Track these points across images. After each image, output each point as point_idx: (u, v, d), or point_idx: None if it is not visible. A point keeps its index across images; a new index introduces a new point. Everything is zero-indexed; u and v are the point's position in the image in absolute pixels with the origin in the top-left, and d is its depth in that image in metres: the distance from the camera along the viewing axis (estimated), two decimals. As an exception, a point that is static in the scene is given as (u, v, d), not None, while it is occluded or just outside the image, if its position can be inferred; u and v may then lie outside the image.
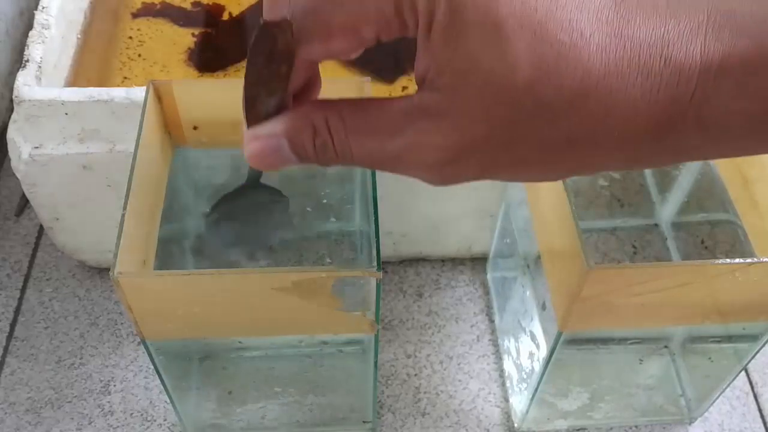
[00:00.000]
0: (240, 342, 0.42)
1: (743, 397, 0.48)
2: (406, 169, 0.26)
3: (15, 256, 0.53)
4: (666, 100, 0.22)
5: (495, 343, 0.49)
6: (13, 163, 0.44)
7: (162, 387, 0.39)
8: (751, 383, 0.49)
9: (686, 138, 0.23)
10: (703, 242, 0.47)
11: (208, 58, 0.52)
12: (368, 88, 0.39)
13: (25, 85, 0.42)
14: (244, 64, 0.51)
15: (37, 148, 0.43)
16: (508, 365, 0.48)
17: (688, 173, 0.46)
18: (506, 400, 0.47)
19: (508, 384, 0.47)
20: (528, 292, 0.44)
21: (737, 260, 0.33)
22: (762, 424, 0.47)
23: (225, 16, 0.54)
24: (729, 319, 0.38)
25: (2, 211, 0.56)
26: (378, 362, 0.39)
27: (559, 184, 0.35)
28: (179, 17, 0.54)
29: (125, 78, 0.50)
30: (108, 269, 0.39)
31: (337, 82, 0.42)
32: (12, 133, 0.43)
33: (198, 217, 0.49)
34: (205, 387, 0.44)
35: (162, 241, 0.38)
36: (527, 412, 0.44)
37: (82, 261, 0.51)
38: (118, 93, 0.42)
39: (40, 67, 0.43)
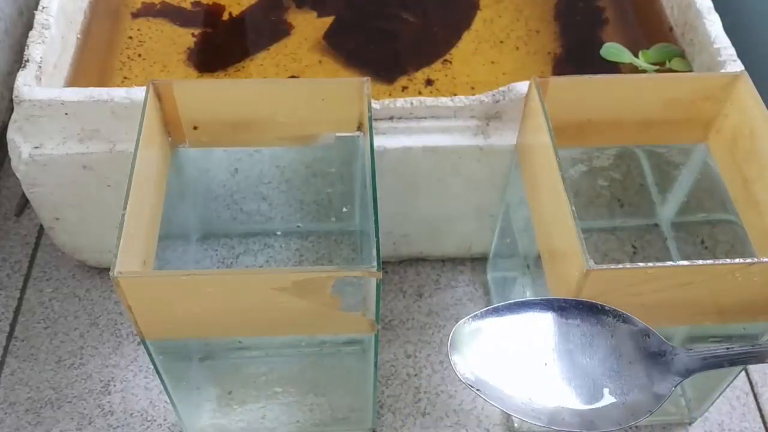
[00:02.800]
0: (240, 342, 0.42)
1: (743, 397, 0.48)
2: None
3: (15, 256, 0.53)
4: None
5: (495, 343, 0.49)
6: (13, 163, 0.44)
7: (162, 387, 0.39)
8: (751, 383, 0.49)
9: None
10: (703, 242, 0.46)
11: (208, 58, 0.52)
12: (368, 88, 0.39)
13: (25, 85, 0.42)
14: (244, 64, 0.52)
15: (37, 148, 0.43)
16: (508, 365, 0.48)
17: (688, 173, 0.46)
18: (506, 400, 0.47)
19: (508, 384, 0.47)
20: (528, 292, 0.44)
21: (737, 260, 0.33)
22: (762, 424, 0.47)
23: (225, 16, 0.54)
24: (729, 319, 0.38)
25: (2, 211, 0.56)
26: (378, 362, 0.39)
27: (558, 184, 0.35)
28: (179, 17, 0.54)
29: (125, 78, 0.50)
30: (108, 269, 0.39)
31: (337, 82, 0.42)
32: (12, 133, 0.43)
33: (197, 217, 0.49)
34: (205, 387, 0.44)
35: (162, 241, 0.38)
36: (527, 412, 0.44)
37: (82, 261, 0.51)
38: (118, 93, 0.42)
39: (40, 67, 0.43)
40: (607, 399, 0.33)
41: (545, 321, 0.34)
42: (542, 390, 0.33)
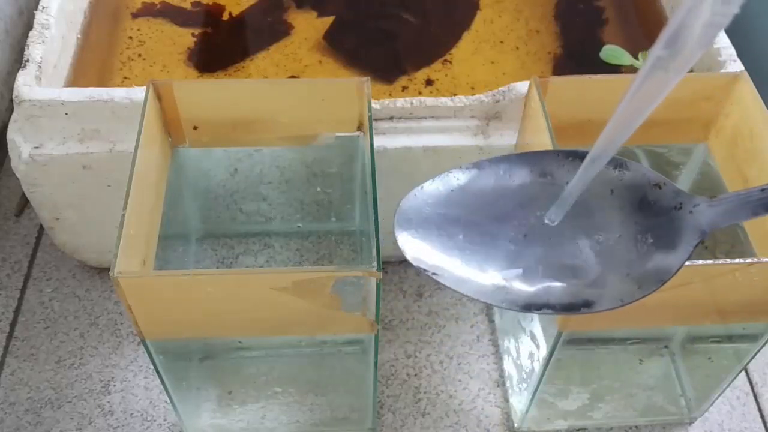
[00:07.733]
0: (240, 342, 0.42)
1: (743, 397, 0.48)
2: None
3: (15, 256, 0.53)
4: None
5: (495, 343, 0.49)
6: (13, 163, 0.44)
7: (162, 387, 0.39)
8: (751, 383, 0.49)
9: None
10: (703, 242, 0.46)
11: (208, 58, 0.52)
12: (368, 88, 0.39)
13: (25, 85, 0.42)
14: (244, 64, 0.52)
15: (37, 148, 0.43)
16: (508, 365, 0.48)
17: (688, 173, 0.46)
18: (506, 400, 0.47)
19: (508, 384, 0.47)
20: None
21: (737, 260, 0.33)
22: (762, 424, 0.47)
23: (225, 16, 0.54)
24: (729, 319, 0.38)
25: (2, 211, 0.56)
26: (378, 362, 0.39)
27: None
28: (179, 17, 0.54)
29: (125, 78, 0.50)
30: (108, 269, 0.39)
31: (337, 83, 0.42)
32: (12, 133, 0.43)
33: (197, 217, 0.49)
34: (205, 387, 0.44)
35: (162, 241, 0.38)
36: (527, 412, 0.44)
37: (82, 261, 0.51)
38: (118, 93, 0.42)
39: (40, 67, 0.43)
40: (607, 270, 0.27)
41: (521, 181, 0.27)
42: (521, 267, 0.26)
